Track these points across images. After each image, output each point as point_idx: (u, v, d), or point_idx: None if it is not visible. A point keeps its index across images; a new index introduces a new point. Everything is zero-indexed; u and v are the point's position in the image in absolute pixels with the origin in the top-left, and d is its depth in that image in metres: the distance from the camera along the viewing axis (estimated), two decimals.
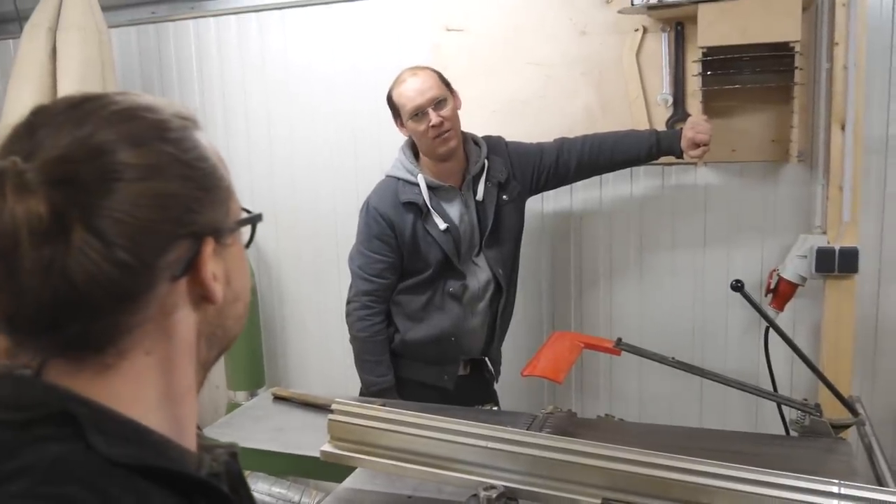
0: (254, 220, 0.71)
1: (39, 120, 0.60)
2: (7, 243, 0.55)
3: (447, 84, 2.17)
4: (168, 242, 0.60)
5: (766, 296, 2.34)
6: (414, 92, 2.11)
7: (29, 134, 0.58)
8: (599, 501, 1.31)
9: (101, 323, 0.58)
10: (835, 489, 1.22)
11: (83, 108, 0.61)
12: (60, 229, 0.55)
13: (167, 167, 0.60)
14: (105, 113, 0.60)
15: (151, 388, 0.62)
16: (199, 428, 0.72)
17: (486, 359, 2.35)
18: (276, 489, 2.82)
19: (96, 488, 0.54)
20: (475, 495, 1.36)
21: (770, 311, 2.27)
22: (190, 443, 0.66)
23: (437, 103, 2.10)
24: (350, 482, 1.57)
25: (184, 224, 0.61)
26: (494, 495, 1.34)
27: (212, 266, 0.63)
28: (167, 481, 0.58)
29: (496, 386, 2.41)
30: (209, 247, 0.63)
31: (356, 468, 1.59)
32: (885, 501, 1.20)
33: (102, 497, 0.54)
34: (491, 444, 1.39)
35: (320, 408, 1.96)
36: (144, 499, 0.56)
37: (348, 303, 2.27)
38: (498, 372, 2.41)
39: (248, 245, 0.72)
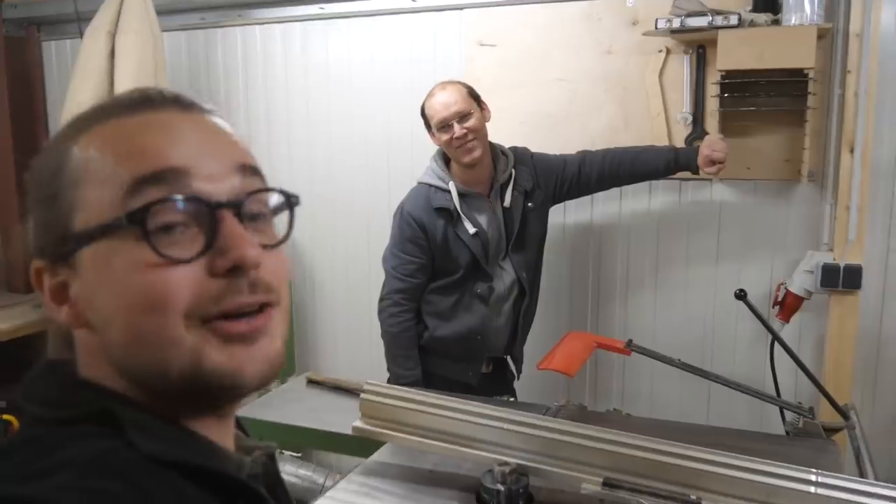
0: (103, 231, 0.57)
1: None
2: None
3: (476, 97, 2.32)
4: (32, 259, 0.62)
5: (773, 308, 2.46)
6: (441, 105, 2.27)
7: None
8: (601, 480, 1.45)
9: None
10: (813, 477, 1.35)
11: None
12: None
13: (30, 191, 0.63)
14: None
15: None
16: (241, 427, 0.71)
17: (509, 357, 2.50)
18: (302, 471, 2.99)
19: (137, 484, 0.53)
20: (490, 470, 1.51)
21: (776, 323, 2.40)
22: (228, 444, 0.65)
23: (462, 117, 2.25)
24: (377, 456, 1.72)
25: (33, 245, 0.62)
26: (507, 471, 1.49)
27: (49, 286, 0.61)
28: (207, 481, 0.57)
29: (515, 383, 2.56)
30: (37, 265, 0.62)
31: (382, 445, 1.75)
32: (859, 490, 1.33)
33: (143, 493, 0.53)
34: (506, 426, 1.54)
35: (350, 392, 2.13)
36: (185, 498, 0.55)
37: (381, 300, 2.42)
38: (519, 370, 2.55)
39: (285, 238, 0.65)
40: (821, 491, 1.34)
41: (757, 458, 1.40)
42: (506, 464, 1.50)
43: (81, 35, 3.04)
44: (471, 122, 2.26)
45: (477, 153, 2.28)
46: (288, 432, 1.90)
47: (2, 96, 3.45)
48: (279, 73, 3.21)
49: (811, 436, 1.84)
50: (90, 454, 0.54)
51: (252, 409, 2.07)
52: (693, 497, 1.40)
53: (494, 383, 2.43)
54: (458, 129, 2.25)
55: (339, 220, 3.15)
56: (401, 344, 2.38)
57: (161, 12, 3.03)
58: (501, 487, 1.48)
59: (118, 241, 0.57)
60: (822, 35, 2.30)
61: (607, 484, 1.45)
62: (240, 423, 0.70)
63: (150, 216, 0.56)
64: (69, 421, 0.57)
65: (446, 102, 2.27)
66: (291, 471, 2.97)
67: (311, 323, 3.33)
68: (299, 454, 3.03)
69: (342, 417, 1.82)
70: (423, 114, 2.34)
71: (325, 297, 3.28)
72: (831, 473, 1.36)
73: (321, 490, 2.91)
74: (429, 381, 2.38)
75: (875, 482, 1.46)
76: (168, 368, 0.57)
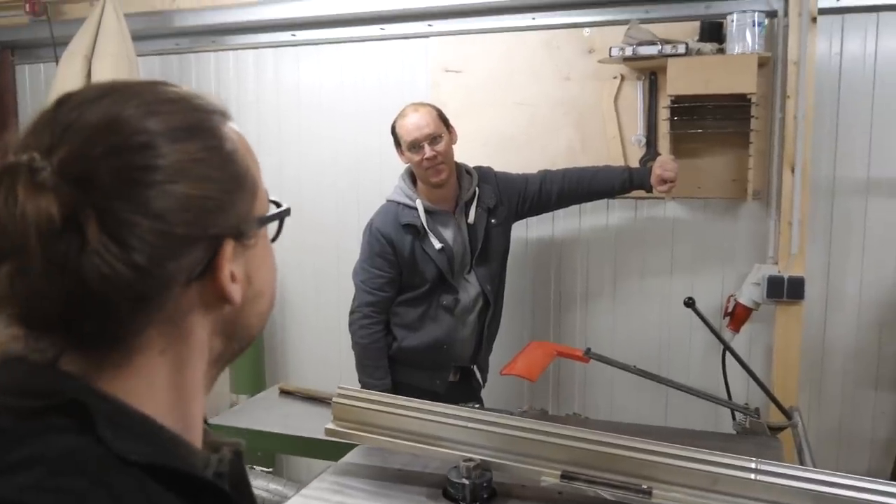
0: (280, 216, 0.69)
1: (65, 110, 0.57)
2: (18, 242, 0.53)
3: (445, 121, 2.44)
4: (187, 246, 0.58)
5: (724, 318, 2.61)
6: (413, 126, 2.38)
7: (52, 126, 0.56)
8: (560, 473, 1.56)
9: (115, 323, 0.57)
10: (752, 465, 1.47)
11: (112, 97, 0.58)
12: (74, 229, 0.53)
13: (194, 167, 0.58)
14: (137, 102, 0.58)
15: (163, 387, 0.61)
16: (206, 422, 0.70)
17: (475, 367, 2.60)
18: (272, 486, 3.03)
19: (106, 484, 0.53)
20: (456, 467, 1.61)
21: (727, 333, 2.54)
22: (196, 440, 0.65)
23: (433, 139, 2.37)
24: (348, 458, 1.81)
25: (204, 227, 0.58)
26: (472, 466, 1.59)
27: (231, 267, 0.61)
28: (175, 481, 0.57)
29: (482, 391, 2.65)
30: (228, 249, 0.60)
31: (353, 448, 1.83)
32: (794, 475, 1.45)
33: (111, 493, 0.53)
34: (470, 425, 1.64)
35: (321, 401, 2.21)
36: (152, 496, 0.55)
37: (352, 313, 2.50)
38: (485, 379, 2.65)
39: (274, 239, 0.70)
40: (760, 478, 1.46)
41: (702, 449, 1.52)
42: (470, 460, 1.60)
43: (57, 60, 3.11)
44: (441, 146, 2.37)
45: (444, 175, 2.40)
46: (260, 438, 1.98)
47: None
48: (251, 97, 3.30)
49: (756, 434, 1.97)
50: (57, 450, 0.53)
51: (225, 417, 2.14)
52: (644, 486, 1.51)
53: (461, 391, 2.52)
54: (428, 151, 2.36)
55: (309, 236, 3.21)
56: (371, 355, 2.47)
57: (136, 37, 3.10)
58: (466, 482, 1.58)
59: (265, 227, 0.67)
60: (763, 63, 2.47)
61: (565, 476, 1.55)
62: (203, 418, 0.70)
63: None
64: (38, 411, 0.55)
65: (419, 124, 2.37)
66: (262, 485, 3.00)
67: (281, 337, 3.39)
68: (270, 469, 3.09)
69: (314, 423, 1.91)
70: (393, 132, 2.45)
71: (296, 312, 3.35)
72: (770, 461, 1.48)
73: None
74: (398, 390, 2.45)
75: (810, 468, 1.59)
76: (264, 328, 0.70)
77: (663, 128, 2.64)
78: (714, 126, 2.57)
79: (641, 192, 2.54)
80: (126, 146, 0.56)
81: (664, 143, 2.65)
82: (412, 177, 2.50)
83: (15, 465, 0.52)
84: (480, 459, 1.60)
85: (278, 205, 0.69)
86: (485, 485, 1.59)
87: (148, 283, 0.56)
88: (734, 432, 2.06)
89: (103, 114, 0.57)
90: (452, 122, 2.47)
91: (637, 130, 2.75)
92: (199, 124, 0.61)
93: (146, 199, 0.55)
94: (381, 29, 3.05)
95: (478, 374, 2.60)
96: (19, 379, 0.58)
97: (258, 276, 0.66)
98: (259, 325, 0.69)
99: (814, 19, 2.41)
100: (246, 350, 0.70)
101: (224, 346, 0.66)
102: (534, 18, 2.85)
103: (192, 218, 0.57)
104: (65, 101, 0.58)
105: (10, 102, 3.66)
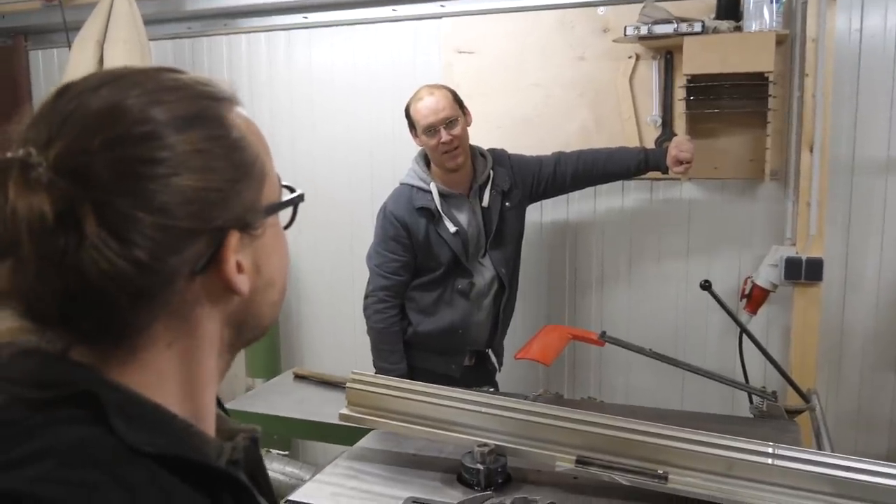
0: (290, 203, 0.68)
1: (64, 101, 0.56)
2: (11, 240, 0.52)
3: (460, 103, 2.41)
4: (189, 239, 0.56)
5: (741, 301, 2.58)
6: (428, 110, 2.35)
7: (51, 118, 0.55)
8: (575, 458, 1.55)
9: (116, 319, 0.56)
10: (770, 450, 1.46)
11: (113, 86, 0.57)
12: (71, 225, 0.52)
13: (198, 158, 0.57)
14: (139, 91, 0.57)
15: (173, 379, 0.60)
16: (222, 407, 0.70)
17: (490, 350, 2.59)
18: (289, 469, 3.06)
19: (118, 476, 0.52)
20: (470, 452, 1.61)
21: (744, 316, 2.51)
22: (210, 429, 0.64)
23: (449, 123, 2.34)
24: (362, 443, 1.82)
25: (208, 219, 0.57)
26: (486, 451, 1.59)
27: (237, 258, 0.59)
28: (189, 471, 0.56)
29: (497, 375, 2.65)
30: (233, 239, 0.59)
31: (368, 433, 1.84)
32: (812, 460, 1.44)
33: (124, 485, 0.52)
34: (485, 410, 1.64)
35: (336, 385, 2.22)
36: (166, 493, 0.54)
37: (366, 297, 2.50)
38: (500, 363, 2.65)
39: (287, 226, 0.69)
40: (778, 462, 1.45)
41: (718, 434, 1.51)
42: (485, 445, 1.60)
43: (69, 45, 3.11)
44: (457, 130, 2.35)
45: (460, 160, 2.38)
46: (275, 423, 1.99)
47: None
48: (264, 80, 3.29)
49: (774, 417, 1.95)
50: (69, 442, 0.53)
51: (240, 401, 2.15)
52: (660, 471, 1.51)
53: (477, 376, 2.52)
54: (444, 135, 2.33)
55: (323, 220, 3.21)
56: (386, 339, 2.47)
57: (148, 22, 3.10)
58: (481, 467, 1.58)
59: (277, 214, 0.66)
60: (780, 41, 2.43)
61: (580, 462, 1.55)
62: (220, 403, 0.70)
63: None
64: (49, 402, 0.55)
65: (435, 108, 2.35)
66: (278, 468, 3.03)
67: (296, 321, 3.40)
68: (286, 452, 3.11)
69: (329, 408, 1.91)
70: (407, 115, 2.42)
71: (310, 296, 3.36)
72: (787, 446, 1.47)
73: None
74: (413, 375, 2.46)
75: (828, 453, 1.58)
76: (277, 317, 0.70)
77: (679, 108, 2.60)
78: (731, 105, 2.53)
79: (657, 174, 2.52)
80: (127, 137, 0.54)
81: (680, 124, 2.62)
82: (426, 159, 2.48)
83: (26, 456, 0.52)
84: (495, 444, 1.60)
85: (292, 190, 0.68)
86: (499, 470, 1.59)
87: (150, 278, 0.55)
88: (751, 416, 2.05)
89: (104, 103, 0.55)
90: (465, 103, 2.45)
91: (652, 111, 2.71)
92: (204, 112, 0.59)
93: (148, 192, 0.53)
94: (394, 10, 3.02)
95: (493, 359, 2.60)
96: (32, 370, 0.57)
97: (268, 266, 0.64)
98: (271, 315, 0.68)
99: None
100: (260, 339, 0.69)
101: (235, 336, 0.65)
102: None
103: (196, 210, 0.56)
104: (64, 91, 0.57)
105: (24, 88, 3.68)
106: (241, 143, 0.61)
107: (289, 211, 0.68)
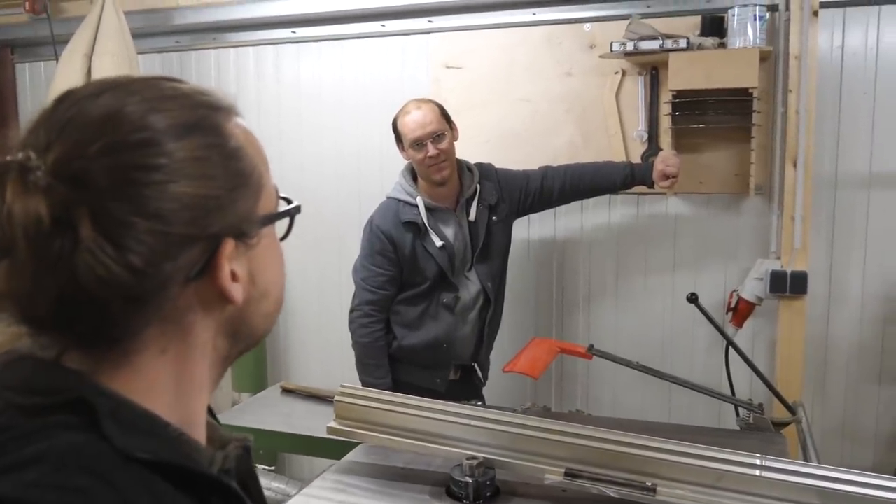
0: (287, 214, 0.69)
1: (64, 107, 0.57)
2: (8, 242, 0.53)
3: (447, 118, 2.42)
4: (185, 246, 0.56)
5: (727, 314, 2.60)
6: (416, 124, 2.36)
7: (50, 123, 0.55)
8: (563, 471, 1.55)
9: (110, 324, 0.56)
10: (758, 461, 1.47)
11: (113, 93, 0.57)
12: (67, 229, 0.52)
13: (195, 166, 0.57)
14: (138, 98, 0.57)
15: (165, 386, 0.61)
16: (214, 417, 0.71)
17: (476, 365, 2.59)
18: (275, 484, 3.03)
19: (110, 482, 0.53)
20: (459, 465, 1.60)
21: (730, 329, 2.53)
22: (200, 437, 0.65)
23: (436, 137, 2.35)
24: (350, 456, 1.80)
25: (203, 226, 0.57)
26: (475, 464, 1.58)
27: (231, 266, 0.60)
28: (181, 478, 0.57)
29: (483, 389, 2.65)
30: (228, 247, 0.59)
31: (355, 446, 1.83)
32: (799, 472, 1.45)
33: (115, 491, 0.53)
34: (473, 423, 1.63)
35: (323, 399, 2.21)
36: (158, 499, 0.55)
37: (352, 311, 2.49)
38: (486, 377, 2.64)
39: (283, 238, 0.69)
40: (765, 474, 1.45)
41: (706, 446, 1.52)
42: (473, 458, 1.59)
43: (57, 58, 3.10)
44: (444, 144, 2.36)
45: (446, 173, 2.39)
46: (262, 437, 1.97)
47: None
48: (252, 95, 3.29)
49: (760, 430, 1.96)
50: (62, 448, 0.53)
51: (228, 415, 2.14)
52: (648, 483, 1.51)
53: (463, 390, 2.51)
54: (431, 149, 2.34)
55: (311, 234, 3.20)
56: (371, 353, 2.46)
57: (136, 35, 3.10)
58: (470, 480, 1.58)
59: (272, 225, 0.67)
60: (764, 57, 2.46)
61: (569, 474, 1.55)
62: (212, 412, 0.71)
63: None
64: (43, 409, 0.55)
65: (422, 122, 2.36)
66: (264, 484, 2.98)
67: (283, 335, 3.39)
68: (272, 468, 3.08)
69: (316, 422, 1.90)
70: (394, 129, 2.43)
71: (297, 309, 3.34)
72: (775, 458, 1.47)
73: None
74: (398, 389, 2.43)
75: (815, 464, 1.59)
76: (271, 329, 0.69)
77: (665, 123, 2.63)
78: (716, 121, 2.57)
79: (643, 188, 2.54)
80: (125, 143, 0.55)
81: (666, 139, 2.64)
82: (413, 173, 2.49)
83: (20, 462, 0.52)
84: (484, 457, 1.59)
85: (289, 202, 0.68)
86: (488, 483, 1.58)
87: (144, 284, 0.55)
88: (738, 428, 2.06)
89: (103, 110, 0.56)
90: (453, 118, 2.46)
91: (639, 126, 2.74)
92: (202, 121, 0.60)
93: (144, 198, 0.54)
94: (382, 25, 3.04)
95: (479, 372, 2.59)
96: (26, 376, 0.58)
97: (263, 276, 0.65)
98: (265, 326, 0.68)
99: (815, 13, 2.39)
100: (252, 349, 0.70)
101: (229, 346, 0.65)
102: (534, 14, 2.84)
103: (192, 217, 0.56)
104: (64, 97, 0.58)
105: (10, 100, 3.66)
106: (239, 153, 0.61)
107: (285, 223, 0.69)
